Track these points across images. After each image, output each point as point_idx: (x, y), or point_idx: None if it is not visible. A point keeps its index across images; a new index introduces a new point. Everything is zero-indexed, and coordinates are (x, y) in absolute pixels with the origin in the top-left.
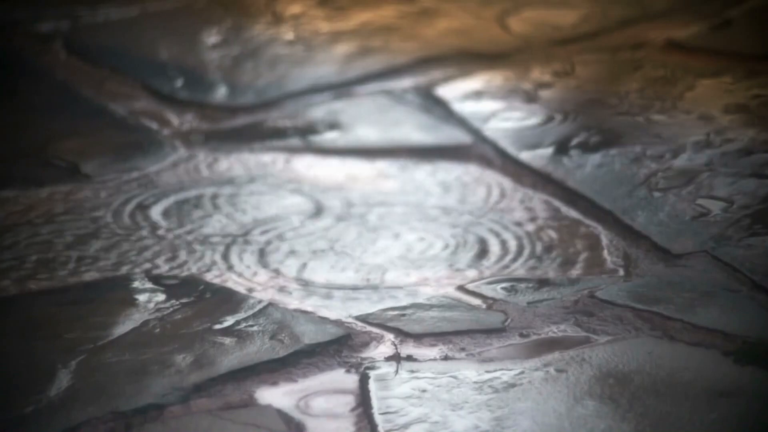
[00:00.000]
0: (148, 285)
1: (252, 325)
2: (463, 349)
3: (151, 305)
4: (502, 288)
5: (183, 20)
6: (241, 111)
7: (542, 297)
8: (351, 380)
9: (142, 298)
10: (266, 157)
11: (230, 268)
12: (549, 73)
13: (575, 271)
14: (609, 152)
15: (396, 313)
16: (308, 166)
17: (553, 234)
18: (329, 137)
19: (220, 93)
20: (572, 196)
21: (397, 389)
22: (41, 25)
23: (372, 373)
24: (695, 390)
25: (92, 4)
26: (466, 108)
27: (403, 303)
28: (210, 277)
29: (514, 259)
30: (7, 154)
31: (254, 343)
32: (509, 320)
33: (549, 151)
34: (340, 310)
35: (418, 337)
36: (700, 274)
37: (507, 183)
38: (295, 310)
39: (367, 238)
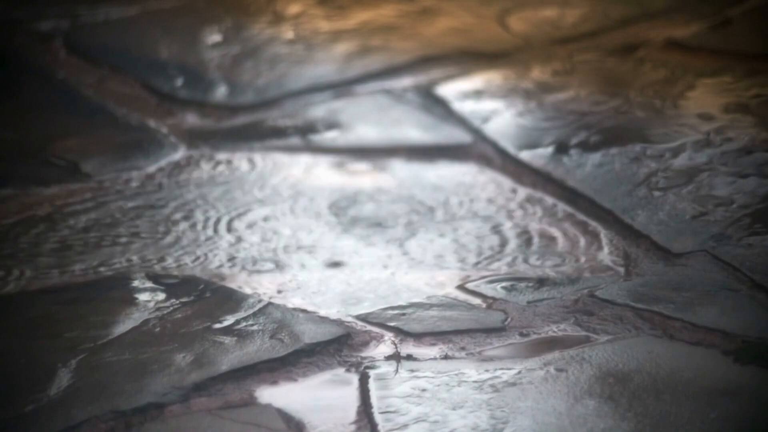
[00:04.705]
0: (148, 284)
1: (252, 324)
2: (463, 349)
3: (151, 304)
4: (502, 287)
5: (183, 19)
6: (241, 110)
7: (542, 296)
8: (351, 379)
9: (142, 297)
10: (266, 157)
11: (232, 267)
12: (549, 72)
13: (575, 271)
14: (609, 152)
15: (396, 312)
16: (307, 166)
17: (552, 233)
18: (329, 136)
19: (220, 92)
20: (572, 196)
21: (396, 388)
22: (41, 24)
23: (372, 373)
24: (695, 389)
25: (92, 4)
26: (465, 107)
27: (403, 302)
28: (210, 276)
29: (514, 258)
30: (7, 154)
31: (254, 342)
32: (509, 319)
33: (549, 150)
34: (339, 309)
35: (418, 337)
36: (700, 273)
37: (507, 182)
38: (295, 309)
39: (370, 237)
